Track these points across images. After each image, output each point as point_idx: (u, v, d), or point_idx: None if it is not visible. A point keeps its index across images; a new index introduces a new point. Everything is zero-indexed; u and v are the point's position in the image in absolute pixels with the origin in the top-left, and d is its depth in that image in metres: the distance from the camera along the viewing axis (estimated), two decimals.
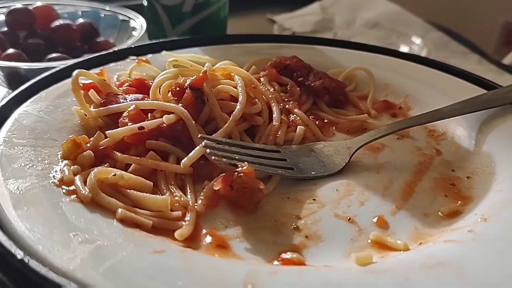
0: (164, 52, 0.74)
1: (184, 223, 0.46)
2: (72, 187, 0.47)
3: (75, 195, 0.46)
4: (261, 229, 0.47)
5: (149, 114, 0.57)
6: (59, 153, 0.52)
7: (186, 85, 0.58)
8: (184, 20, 0.91)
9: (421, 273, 0.39)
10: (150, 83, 0.63)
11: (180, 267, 0.39)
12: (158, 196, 0.48)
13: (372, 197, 0.52)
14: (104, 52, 0.75)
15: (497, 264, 0.40)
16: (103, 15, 0.99)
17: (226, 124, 0.56)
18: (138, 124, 0.54)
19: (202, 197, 0.50)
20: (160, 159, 0.53)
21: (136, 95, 0.61)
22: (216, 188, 0.49)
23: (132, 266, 0.38)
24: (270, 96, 0.64)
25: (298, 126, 0.62)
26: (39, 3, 0.94)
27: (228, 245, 0.45)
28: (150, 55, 0.75)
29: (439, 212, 0.50)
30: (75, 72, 0.60)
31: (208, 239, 0.45)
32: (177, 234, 0.44)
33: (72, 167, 0.50)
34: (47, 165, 0.50)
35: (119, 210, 0.45)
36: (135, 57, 0.72)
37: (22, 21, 0.89)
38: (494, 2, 1.88)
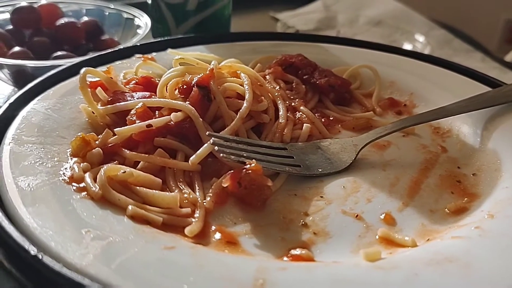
0: (169, 50, 0.74)
1: (193, 219, 0.47)
2: (82, 184, 0.47)
3: (86, 192, 0.46)
4: (270, 226, 0.48)
5: (157, 111, 0.58)
6: (68, 150, 0.53)
7: (193, 83, 0.59)
8: (188, 18, 0.91)
9: (429, 269, 0.39)
10: (157, 81, 0.64)
11: (191, 263, 0.39)
12: (167, 193, 0.49)
13: (379, 194, 0.53)
14: (109, 50, 0.75)
15: (503, 260, 0.40)
16: (107, 13, 0.99)
17: (233, 122, 0.57)
18: (146, 122, 0.54)
19: (210, 194, 0.50)
20: (168, 157, 0.54)
21: (143, 93, 0.62)
22: (225, 185, 0.50)
23: (144, 262, 0.39)
24: (276, 94, 0.64)
25: (304, 124, 0.62)
26: (44, 1, 0.95)
27: (237, 242, 0.45)
28: (155, 53, 0.75)
29: (446, 209, 0.51)
30: (82, 70, 0.60)
31: (218, 235, 0.46)
32: (187, 230, 0.45)
33: (81, 164, 0.50)
34: (57, 163, 0.50)
35: (130, 207, 0.45)
36: (140, 55, 0.73)
37: (27, 19, 0.89)
38: None
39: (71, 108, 0.60)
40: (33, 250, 0.38)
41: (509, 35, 1.88)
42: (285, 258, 0.43)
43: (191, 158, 0.52)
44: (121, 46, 0.79)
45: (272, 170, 0.54)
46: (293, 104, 0.66)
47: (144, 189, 0.48)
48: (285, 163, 0.55)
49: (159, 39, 0.82)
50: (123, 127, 0.55)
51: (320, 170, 0.56)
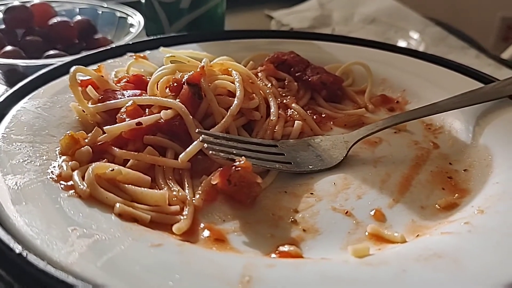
0: (161, 49, 0.74)
1: (182, 217, 0.46)
2: (70, 182, 0.47)
3: (73, 190, 0.46)
4: (259, 223, 0.48)
5: (147, 109, 0.58)
6: (57, 149, 0.52)
7: (183, 80, 0.58)
8: (181, 17, 0.91)
9: (418, 265, 0.39)
10: (148, 79, 0.63)
11: (178, 260, 0.39)
12: (156, 191, 0.48)
13: (369, 191, 0.52)
14: (102, 49, 0.75)
15: (493, 255, 0.40)
16: (100, 12, 0.99)
17: (224, 119, 0.57)
18: (136, 120, 0.54)
19: (200, 192, 0.50)
20: (158, 154, 0.53)
21: (134, 91, 0.62)
22: (214, 183, 0.49)
23: (130, 259, 0.38)
24: (267, 91, 0.64)
25: (295, 121, 0.62)
26: (36, 1, 0.94)
27: (226, 239, 0.45)
28: (148, 52, 0.75)
29: (436, 205, 0.51)
30: (72, 68, 0.60)
31: (206, 233, 0.45)
32: (175, 228, 0.44)
33: (70, 162, 0.50)
34: (45, 161, 0.50)
35: (117, 204, 0.45)
36: (133, 54, 0.72)
37: (20, 18, 0.89)
38: None
39: (61, 106, 0.60)
40: (17, 248, 0.37)
41: (505, 33, 1.87)
42: (273, 255, 0.43)
43: (180, 156, 0.52)
44: (113, 45, 0.79)
45: (262, 167, 0.53)
46: (284, 101, 0.66)
47: (133, 187, 0.48)
48: (276, 160, 0.55)
49: (152, 38, 0.82)
50: (113, 125, 0.54)
51: (310, 167, 0.56)
